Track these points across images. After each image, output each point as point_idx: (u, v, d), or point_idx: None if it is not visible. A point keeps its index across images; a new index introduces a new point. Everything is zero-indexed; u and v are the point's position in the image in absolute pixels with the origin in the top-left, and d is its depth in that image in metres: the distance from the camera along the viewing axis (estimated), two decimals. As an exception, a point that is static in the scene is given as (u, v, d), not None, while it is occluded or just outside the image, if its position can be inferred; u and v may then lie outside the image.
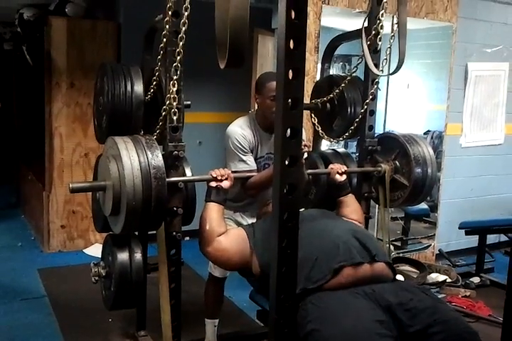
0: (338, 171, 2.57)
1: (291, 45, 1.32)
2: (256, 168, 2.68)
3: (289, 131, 1.36)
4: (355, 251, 2.01)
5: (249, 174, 2.56)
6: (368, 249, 2.05)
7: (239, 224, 2.81)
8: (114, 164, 1.99)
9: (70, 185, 2.04)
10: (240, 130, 2.69)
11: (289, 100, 1.34)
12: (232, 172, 2.41)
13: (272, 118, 2.61)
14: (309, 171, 2.72)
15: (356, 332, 1.68)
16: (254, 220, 2.81)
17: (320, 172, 2.76)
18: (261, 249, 2.10)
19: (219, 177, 2.27)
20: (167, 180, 2.08)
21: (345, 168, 2.61)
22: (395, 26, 2.43)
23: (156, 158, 2.01)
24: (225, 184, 2.27)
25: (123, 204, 1.96)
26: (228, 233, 2.20)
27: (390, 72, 2.56)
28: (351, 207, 2.53)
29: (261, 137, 2.73)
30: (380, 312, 1.79)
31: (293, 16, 1.30)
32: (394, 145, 2.76)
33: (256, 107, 2.79)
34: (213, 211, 2.21)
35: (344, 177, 2.58)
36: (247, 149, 2.67)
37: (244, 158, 2.66)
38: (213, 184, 2.26)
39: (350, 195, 2.56)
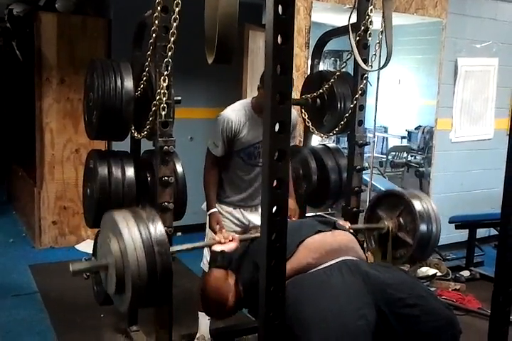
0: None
1: (279, 40, 1.32)
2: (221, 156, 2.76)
3: (277, 125, 1.37)
4: (316, 225, 2.11)
5: (255, 235, 2.24)
6: (329, 222, 2.14)
7: (240, 223, 2.82)
8: (115, 242, 1.85)
9: (71, 268, 1.95)
10: (230, 114, 2.75)
11: (278, 95, 1.35)
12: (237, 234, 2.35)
13: (260, 104, 2.65)
14: None
15: (332, 308, 1.72)
16: (253, 216, 2.81)
17: None
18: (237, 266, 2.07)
19: (222, 241, 2.13)
20: (159, 177, 2.07)
21: (349, 225, 2.45)
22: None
23: (160, 232, 1.87)
24: (231, 246, 2.11)
25: (128, 283, 1.83)
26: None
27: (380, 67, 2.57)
28: None
29: (254, 121, 2.72)
30: (354, 281, 1.82)
31: (280, 11, 1.30)
32: (398, 202, 2.57)
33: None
34: (221, 279, 2.01)
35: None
36: (225, 138, 2.73)
37: (219, 144, 2.73)
38: (217, 248, 2.09)
39: None
